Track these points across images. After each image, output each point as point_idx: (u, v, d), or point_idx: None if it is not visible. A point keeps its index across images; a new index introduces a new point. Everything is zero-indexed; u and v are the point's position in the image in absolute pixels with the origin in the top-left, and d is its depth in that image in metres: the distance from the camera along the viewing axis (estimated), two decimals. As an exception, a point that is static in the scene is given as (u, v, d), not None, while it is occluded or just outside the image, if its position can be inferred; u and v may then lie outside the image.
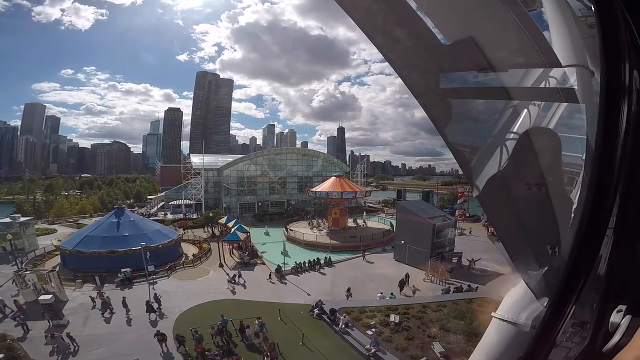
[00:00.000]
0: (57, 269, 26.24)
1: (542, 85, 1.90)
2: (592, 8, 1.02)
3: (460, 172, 2.47)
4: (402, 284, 25.14)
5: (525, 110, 2.00)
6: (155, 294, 21.86)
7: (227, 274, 27.54)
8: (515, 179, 1.94)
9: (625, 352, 0.84)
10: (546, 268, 1.90)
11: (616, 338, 1.11)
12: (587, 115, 1.71)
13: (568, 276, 0.99)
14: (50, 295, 20.22)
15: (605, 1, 1.00)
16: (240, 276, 26.63)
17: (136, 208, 65.03)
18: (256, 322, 18.71)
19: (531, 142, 1.92)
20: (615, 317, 1.21)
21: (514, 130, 1.95)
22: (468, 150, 2.04)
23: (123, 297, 21.63)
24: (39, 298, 20.16)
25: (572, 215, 1.74)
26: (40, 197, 73.27)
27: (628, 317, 1.16)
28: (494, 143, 1.96)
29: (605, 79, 0.96)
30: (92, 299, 21.93)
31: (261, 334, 18.03)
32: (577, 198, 1.75)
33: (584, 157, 1.51)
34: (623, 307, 1.23)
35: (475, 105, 2.16)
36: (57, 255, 32.21)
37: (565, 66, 3.22)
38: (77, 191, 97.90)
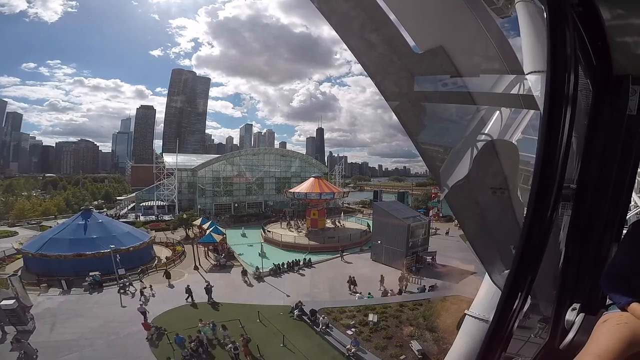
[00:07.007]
0: (19, 273, 24.91)
1: (505, 92, 2.00)
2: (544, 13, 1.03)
3: (433, 174, 2.54)
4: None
5: (492, 116, 2.11)
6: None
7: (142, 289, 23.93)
8: (480, 182, 2.03)
9: (583, 354, 0.89)
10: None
11: (570, 335, 1.17)
12: None
13: (515, 274, 1.04)
14: (13, 301, 19.19)
15: (556, 5, 1.03)
16: (144, 288, 24.00)
17: (105, 209, 62.25)
18: (200, 325, 18.10)
19: (495, 147, 2.01)
20: (570, 315, 1.28)
21: (480, 136, 2.05)
22: (436, 154, 2.13)
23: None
24: (0, 303, 19.05)
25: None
26: (-1, 198, 68.45)
27: (582, 315, 1.24)
28: (461, 148, 2.04)
29: (550, 82, 0.97)
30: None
31: (225, 334, 17.66)
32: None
33: None
34: (577, 305, 1.31)
35: (444, 112, 2.24)
36: (19, 258, 30.58)
37: (533, 72, 3.40)
38: (40, 192, 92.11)
